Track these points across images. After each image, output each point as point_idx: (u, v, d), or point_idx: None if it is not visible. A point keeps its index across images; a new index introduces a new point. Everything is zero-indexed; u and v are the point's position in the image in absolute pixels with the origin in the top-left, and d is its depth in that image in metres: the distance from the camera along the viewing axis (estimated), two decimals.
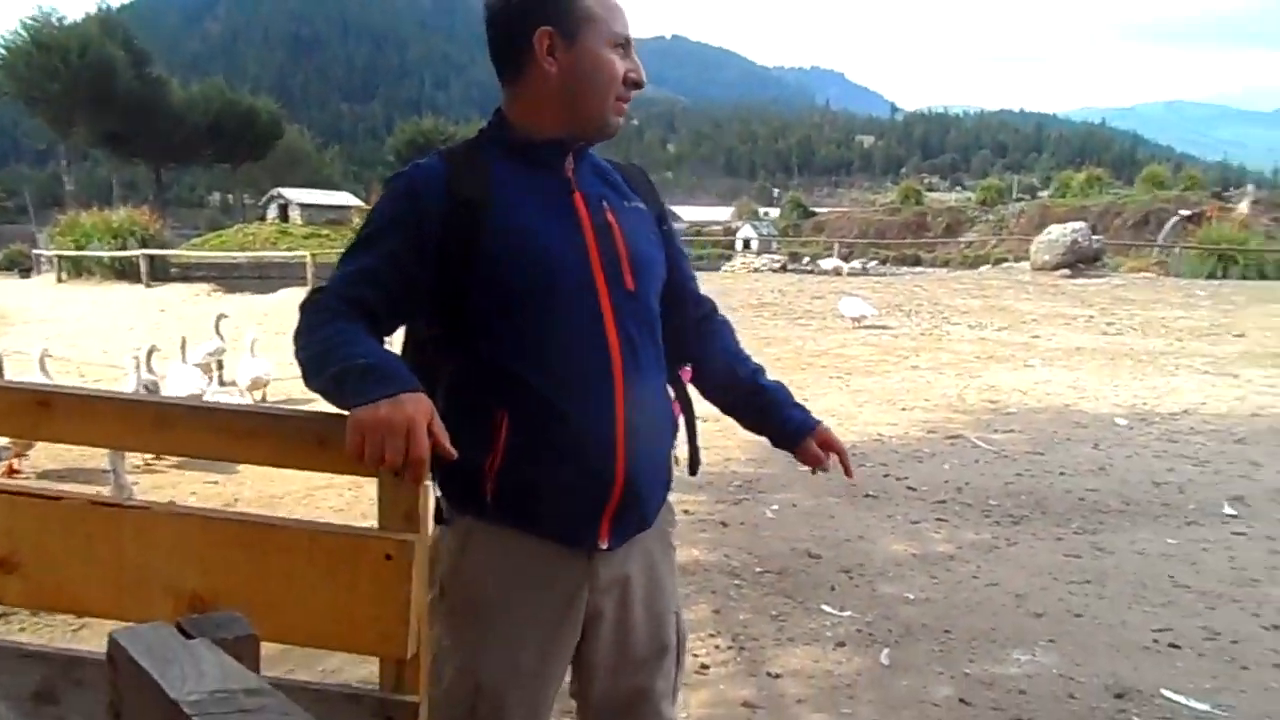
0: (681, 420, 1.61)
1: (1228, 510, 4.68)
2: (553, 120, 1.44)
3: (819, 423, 1.66)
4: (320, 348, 1.26)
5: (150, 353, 6.89)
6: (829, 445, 1.65)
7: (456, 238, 1.36)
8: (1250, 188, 42.31)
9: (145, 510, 1.12)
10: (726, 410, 1.70)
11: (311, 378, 1.26)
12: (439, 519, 1.43)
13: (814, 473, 1.69)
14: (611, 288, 1.40)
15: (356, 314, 1.31)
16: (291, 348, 1.32)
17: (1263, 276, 19.57)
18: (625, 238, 1.44)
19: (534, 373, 1.36)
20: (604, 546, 1.40)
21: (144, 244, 21.16)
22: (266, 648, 0.73)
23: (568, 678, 1.52)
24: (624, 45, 1.44)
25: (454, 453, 1.16)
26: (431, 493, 1.15)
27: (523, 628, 1.39)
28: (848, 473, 1.65)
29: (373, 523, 1.17)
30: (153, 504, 1.11)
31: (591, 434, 1.36)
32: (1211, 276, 19.60)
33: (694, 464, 1.66)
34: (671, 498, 1.62)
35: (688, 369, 1.64)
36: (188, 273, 22.66)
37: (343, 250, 1.45)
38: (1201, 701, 2.81)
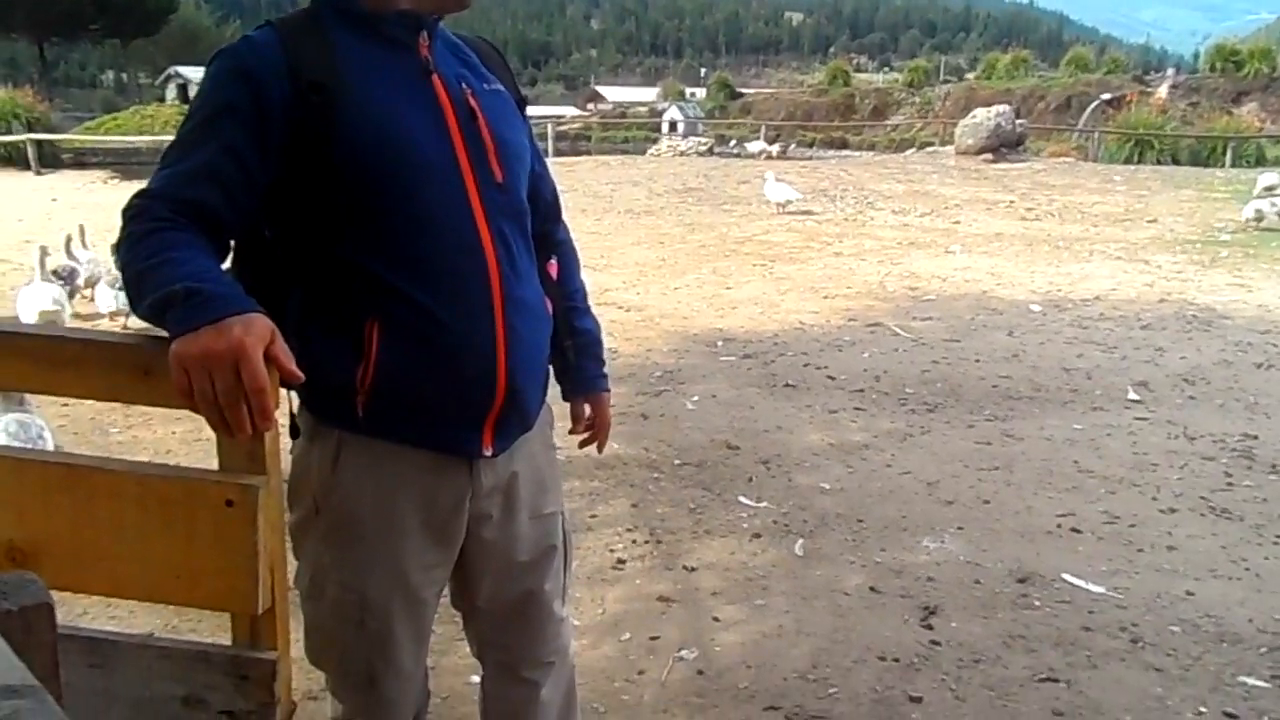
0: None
1: (1132, 395, 4.82)
2: None
3: (603, 389, 1.67)
4: (142, 266, 1.09)
5: (69, 240, 6.73)
6: (598, 416, 1.67)
7: (305, 127, 1.20)
8: (1170, 71, 42.76)
9: None
10: None
11: (136, 304, 1.10)
12: (294, 433, 1.34)
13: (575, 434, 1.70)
14: (479, 180, 1.29)
15: (188, 221, 1.14)
16: None
17: (1175, 162, 20.03)
18: (490, 124, 1.32)
19: (403, 277, 1.24)
20: (488, 454, 1.35)
21: (30, 128, 19.69)
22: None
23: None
24: None
25: (300, 375, 1.03)
26: (277, 425, 1.02)
27: (407, 540, 1.33)
28: (599, 448, 1.72)
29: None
30: None
31: (471, 339, 1.27)
32: (1128, 161, 19.98)
33: None
34: None
35: (553, 262, 1.55)
36: (81, 159, 21.28)
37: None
38: (1098, 584, 2.91)
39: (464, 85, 1.33)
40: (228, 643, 1.10)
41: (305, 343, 1.23)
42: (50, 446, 3.07)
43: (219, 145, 1.18)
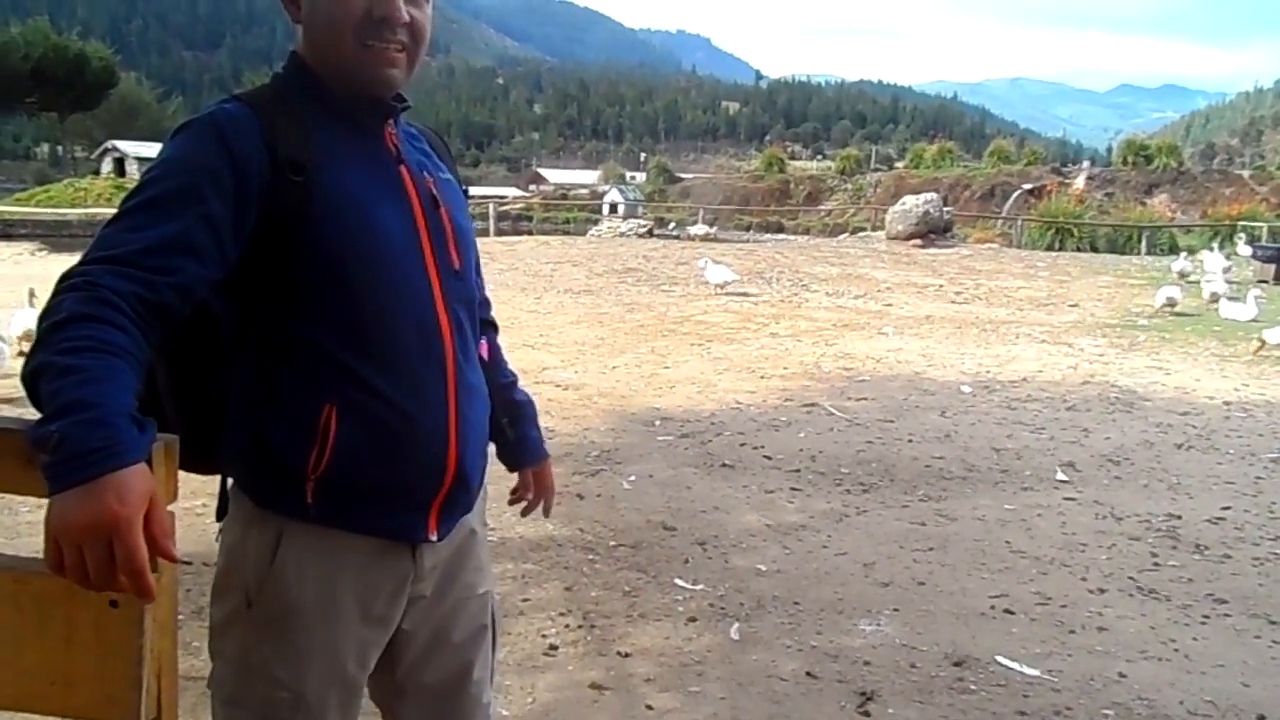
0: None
1: (1060, 476, 4.91)
2: (328, 74, 1.28)
3: (548, 455, 1.69)
4: (48, 358, 0.96)
5: (31, 294, 6.85)
6: (545, 480, 1.68)
7: (280, 205, 1.17)
8: (1086, 164, 45.11)
9: None
10: None
11: (30, 397, 0.98)
12: (220, 514, 1.30)
13: (516, 505, 1.71)
14: (440, 267, 1.31)
15: (129, 310, 1.03)
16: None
17: (1094, 249, 20.98)
18: (449, 213, 1.35)
19: (366, 364, 1.23)
20: (434, 539, 1.32)
21: None
22: None
23: None
24: None
25: (177, 558, 0.95)
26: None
27: (346, 630, 1.28)
28: (546, 512, 1.71)
29: None
30: None
31: (428, 429, 1.27)
32: (1050, 248, 20.86)
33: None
34: None
35: (484, 343, 1.54)
36: (9, 230, 20.95)
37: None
38: (1033, 667, 2.90)
39: (425, 174, 1.34)
40: None
41: (254, 425, 1.22)
42: None
43: (197, 214, 1.12)
